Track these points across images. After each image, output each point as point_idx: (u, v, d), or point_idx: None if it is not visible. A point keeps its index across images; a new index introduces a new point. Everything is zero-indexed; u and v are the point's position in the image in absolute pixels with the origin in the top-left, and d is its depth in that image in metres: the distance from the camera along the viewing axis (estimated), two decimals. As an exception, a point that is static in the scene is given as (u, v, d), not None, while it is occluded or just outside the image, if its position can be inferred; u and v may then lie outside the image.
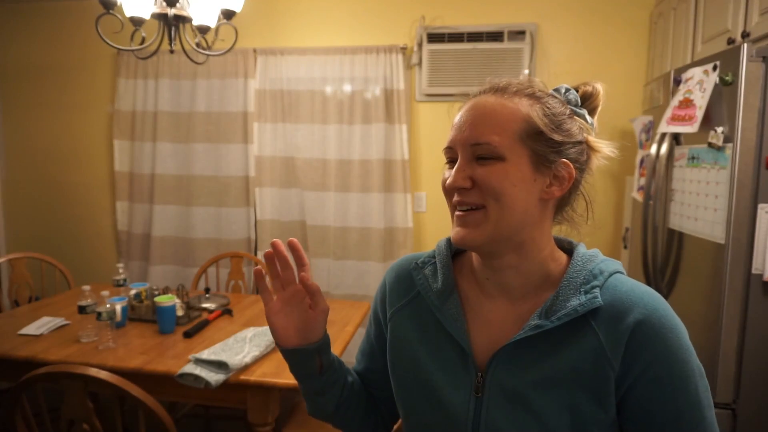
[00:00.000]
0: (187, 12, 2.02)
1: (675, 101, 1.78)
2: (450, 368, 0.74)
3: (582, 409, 0.66)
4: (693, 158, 1.72)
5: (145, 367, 1.70)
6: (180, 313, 2.10)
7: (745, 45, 1.48)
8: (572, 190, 0.75)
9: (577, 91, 0.76)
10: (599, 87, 0.77)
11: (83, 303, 1.95)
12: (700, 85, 1.66)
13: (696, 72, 1.70)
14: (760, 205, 1.49)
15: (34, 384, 1.33)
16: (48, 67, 3.40)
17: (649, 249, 1.91)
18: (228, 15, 2.05)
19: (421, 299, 0.81)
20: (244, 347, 1.76)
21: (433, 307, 0.78)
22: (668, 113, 1.80)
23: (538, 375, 0.68)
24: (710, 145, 1.60)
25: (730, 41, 1.87)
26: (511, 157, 0.68)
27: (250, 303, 2.45)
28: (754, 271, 1.52)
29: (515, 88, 0.71)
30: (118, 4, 1.92)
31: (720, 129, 1.56)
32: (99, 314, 1.86)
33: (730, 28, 1.89)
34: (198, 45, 2.14)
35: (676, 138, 1.84)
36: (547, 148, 0.69)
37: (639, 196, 2.16)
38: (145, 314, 2.15)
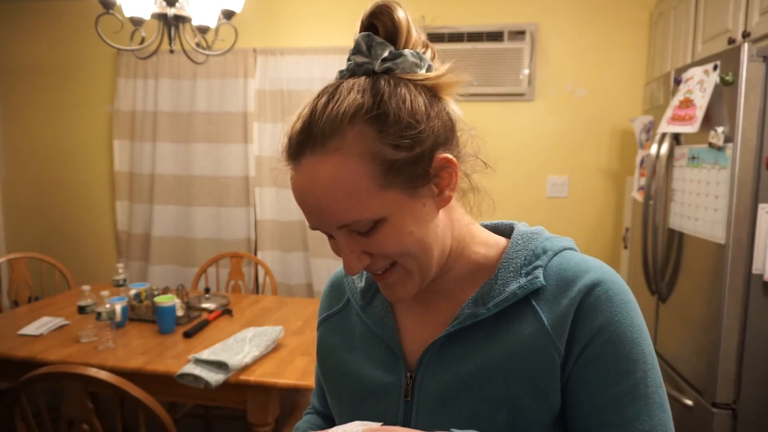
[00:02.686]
0: (187, 12, 2.02)
1: (675, 101, 1.78)
2: (379, 373, 0.65)
3: (521, 405, 0.57)
4: (693, 158, 1.72)
5: (145, 367, 1.70)
6: (180, 313, 2.10)
7: (746, 45, 1.48)
8: (460, 164, 0.60)
9: (377, 33, 0.57)
10: (393, 9, 0.55)
11: (83, 303, 1.95)
12: (700, 85, 1.66)
13: (696, 72, 1.70)
14: (761, 205, 1.49)
15: (34, 384, 1.33)
16: (48, 67, 3.40)
17: (649, 249, 1.91)
18: (228, 15, 2.05)
19: (350, 306, 0.72)
20: (244, 347, 1.76)
21: (358, 308, 0.69)
22: (668, 113, 1.80)
23: (471, 368, 0.59)
24: (710, 145, 1.60)
25: (731, 41, 1.86)
26: (388, 211, 0.54)
27: (250, 303, 2.45)
28: (754, 271, 1.52)
29: (332, 126, 0.53)
30: (118, 4, 1.92)
31: (720, 129, 1.56)
32: (99, 314, 1.86)
33: (730, 27, 1.89)
34: (198, 45, 2.14)
35: (676, 138, 1.84)
36: (413, 166, 0.54)
37: (639, 196, 2.16)
38: (145, 314, 2.15)
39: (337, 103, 0.54)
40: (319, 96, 0.57)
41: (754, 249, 1.51)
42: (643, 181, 2.13)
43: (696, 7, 2.17)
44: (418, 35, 0.58)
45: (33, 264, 2.87)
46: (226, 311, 2.26)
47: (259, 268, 3.10)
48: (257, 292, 3.05)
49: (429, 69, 0.58)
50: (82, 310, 1.94)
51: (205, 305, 2.31)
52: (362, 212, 0.53)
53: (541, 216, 3.01)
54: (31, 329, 1.98)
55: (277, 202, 3.19)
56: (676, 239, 1.83)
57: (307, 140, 0.54)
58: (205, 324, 2.08)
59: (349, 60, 0.59)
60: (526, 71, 2.88)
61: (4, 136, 3.53)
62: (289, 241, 3.19)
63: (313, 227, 0.58)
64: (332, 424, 0.81)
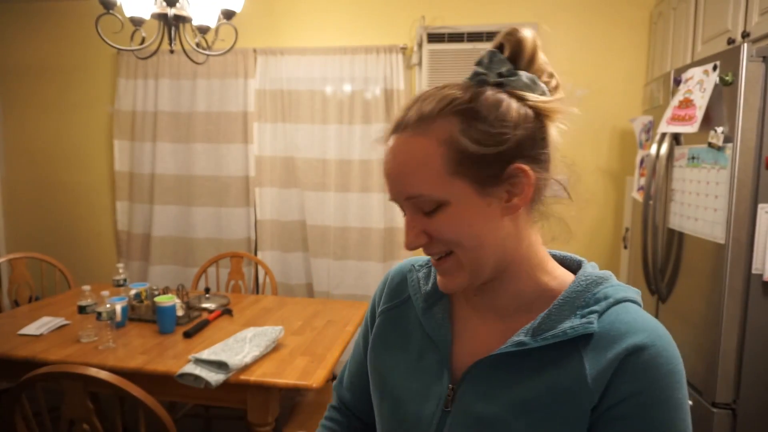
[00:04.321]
0: (187, 12, 2.02)
1: (675, 101, 1.78)
2: (425, 377, 0.68)
3: None
4: (693, 158, 1.72)
5: (145, 367, 1.70)
6: (180, 313, 2.10)
7: (745, 45, 1.48)
8: (540, 184, 0.63)
9: (502, 51, 0.62)
10: (522, 34, 0.61)
11: (83, 303, 1.95)
12: (700, 85, 1.66)
13: (696, 72, 1.70)
14: (760, 205, 1.49)
15: (34, 384, 1.33)
16: (48, 67, 3.40)
17: (649, 249, 1.91)
18: (228, 15, 2.05)
19: (410, 304, 0.75)
20: (244, 347, 1.76)
21: (419, 311, 0.72)
22: (668, 113, 1.80)
23: (514, 398, 0.60)
24: (710, 145, 1.60)
25: (730, 41, 1.87)
26: (453, 197, 0.58)
27: (250, 303, 2.45)
28: (754, 271, 1.52)
29: (425, 112, 0.59)
30: (118, 4, 1.92)
31: (720, 129, 1.56)
32: (99, 314, 1.86)
33: (730, 28, 1.89)
34: (198, 45, 2.14)
35: (676, 138, 1.84)
36: (487, 164, 0.58)
37: (639, 196, 2.16)
38: (145, 314, 2.15)
39: (438, 94, 0.60)
40: (428, 90, 0.62)
41: (753, 249, 1.51)
42: (643, 181, 2.13)
43: (696, 8, 2.17)
44: (544, 65, 0.63)
45: (33, 264, 2.87)
46: (226, 311, 2.26)
47: (259, 268, 3.10)
48: (257, 292, 3.05)
49: (544, 94, 0.61)
50: (82, 310, 1.94)
51: (205, 305, 2.31)
52: (428, 190, 0.58)
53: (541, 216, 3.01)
54: (31, 329, 1.99)
55: (277, 202, 3.19)
56: (676, 239, 1.83)
57: (402, 120, 0.61)
58: (205, 324, 2.08)
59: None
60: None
61: (4, 136, 3.53)
62: (289, 241, 3.20)
63: (391, 198, 0.63)
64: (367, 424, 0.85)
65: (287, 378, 1.65)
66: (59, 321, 2.07)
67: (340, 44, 3.02)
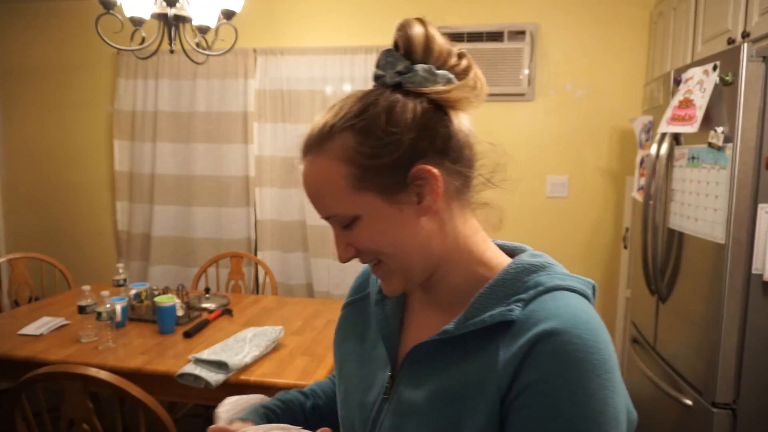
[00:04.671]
0: (187, 12, 2.02)
1: (675, 101, 1.78)
2: (374, 366, 0.70)
3: (465, 431, 0.57)
4: (693, 158, 1.72)
5: (145, 367, 1.70)
6: (180, 313, 2.10)
7: (745, 45, 1.48)
8: (455, 177, 0.61)
9: (398, 49, 0.60)
10: (408, 27, 0.60)
11: (83, 303, 1.95)
12: (700, 85, 1.66)
13: (696, 72, 1.70)
14: (760, 205, 1.49)
15: (34, 384, 1.33)
16: (48, 67, 3.40)
17: (649, 249, 1.91)
18: (228, 15, 2.05)
19: (370, 298, 0.77)
20: (244, 347, 1.76)
21: (372, 303, 0.74)
22: (668, 113, 1.80)
23: (436, 386, 0.60)
24: (710, 145, 1.60)
25: (730, 41, 1.87)
26: (363, 211, 0.59)
27: (250, 303, 2.45)
28: (754, 271, 1.52)
29: (323, 132, 0.60)
30: (118, 4, 1.92)
31: (720, 129, 1.56)
32: (99, 314, 1.86)
33: (730, 28, 1.89)
34: (198, 45, 2.14)
35: (676, 138, 1.84)
36: (388, 173, 0.58)
37: (639, 196, 2.16)
38: (145, 314, 2.15)
39: (334, 112, 0.60)
40: (333, 105, 0.62)
41: (753, 249, 1.51)
42: (643, 181, 2.13)
43: (696, 8, 2.17)
44: (445, 49, 0.61)
45: (33, 264, 2.87)
46: (226, 311, 2.26)
47: (259, 268, 3.10)
48: (257, 292, 3.05)
49: (450, 82, 0.60)
50: (82, 310, 1.94)
51: (205, 305, 2.31)
52: (338, 209, 0.60)
53: (541, 216, 3.01)
54: (31, 329, 1.99)
55: (277, 202, 3.19)
56: (676, 239, 1.83)
57: (309, 142, 0.61)
58: (205, 324, 2.08)
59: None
60: (526, 71, 2.88)
61: (4, 136, 3.53)
62: (289, 241, 3.20)
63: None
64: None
65: (287, 378, 1.65)
66: (59, 321, 2.07)
67: (340, 44, 3.02)
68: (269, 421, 0.82)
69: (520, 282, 0.61)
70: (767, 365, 1.54)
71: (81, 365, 1.36)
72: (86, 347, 1.86)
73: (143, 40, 2.04)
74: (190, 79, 3.15)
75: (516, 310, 0.58)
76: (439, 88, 0.59)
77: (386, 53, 0.61)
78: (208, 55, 2.17)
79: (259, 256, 3.19)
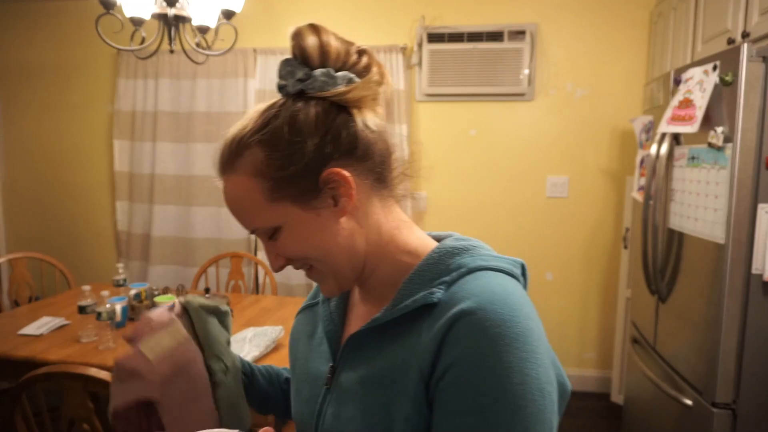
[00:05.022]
0: (187, 12, 2.02)
1: (675, 101, 1.78)
2: (320, 361, 0.72)
3: (395, 413, 0.57)
4: (693, 158, 1.72)
5: (145, 367, 1.70)
6: (180, 313, 2.10)
7: (745, 45, 1.48)
8: (368, 174, 0.63)
9: (296, 58, 0.62)
10: (299, 36, 0.61)
11: (83, 303, 1.95)
12: (700, 85, 1.66)
13: (696, 72, 1.70)
14: (760, 205, 1.49)
15: (34, 384, 1.33)
16: (48, 67, 3.40)
17: (649, 249, 1.91)
18: (228, 15, 2.05)
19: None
20: (243, 347, 1.76)
21: (321, 302, 0.78)
22: (668, 113, 1.80)
23: (368, 372, 0.62)
24: (710, 145, 1.60)
25: (730, 41, 1.87)
26: (282, 221, 0.61)
27: (250, 303, 2.45)
28: (754, 271, 1.52)
29: (232, 150, 0.62)
30: (118, 4, 1.92)
31: (720, 129, 1.56)
32: (99, 314, 1.86)
33: (730, 28, 1.89)
34: (198, 45, 2.14)
35: (676, 138, 1.84)
36: (299, 181, 0.60)
37: (639, 196, 2.16)
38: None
39: (241, 128, 0.62)
40: (242, 119, 0.64)
41: (753, 249, 1.51)
42: (643, 181, 2.13)
43: (696, 8, 2.17)
44: (342, 50, 0.62)
45: (33, 264, 2.87)
46: (226, 311, 2.25)
47: (259, 268, 3.10)
48: (257, 292, 3.05)
49: (351, 81, 0.62)
50: (82, 310, 1.95)
51: (205, 305, 2.31)
52: (259, 222, 0.62)
53: (541, 216, 3.01)
54: (31, 329, 1.99)
55: (277, 202, 3.19)
56: (676, 239, 1.83)
57: (222, 161, 0.64)
58: (205, 324, 2.07)
59: None
60: (526, 71, 2.88)
61: (4, 136, 3.53)
62: (289, 241, 3.19)
63: None
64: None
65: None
66: (59, 321, 2.07)
67: (340, 44, 3.02)
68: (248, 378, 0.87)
69: (444, 265, 0.62)
70: (767, 365, 1.54)
71: (81, 365, 1.36)
72: (86, 347, 1.86)
73: (143, 40, 2.04)
74: (190, 79, 3.15)
75: (438, 293, 0.59)
76: (340, 89, 0.60)
77: (284, 63, 0.62)
78: (208, 55, 2.17)
79: (259, 256, 3.19)
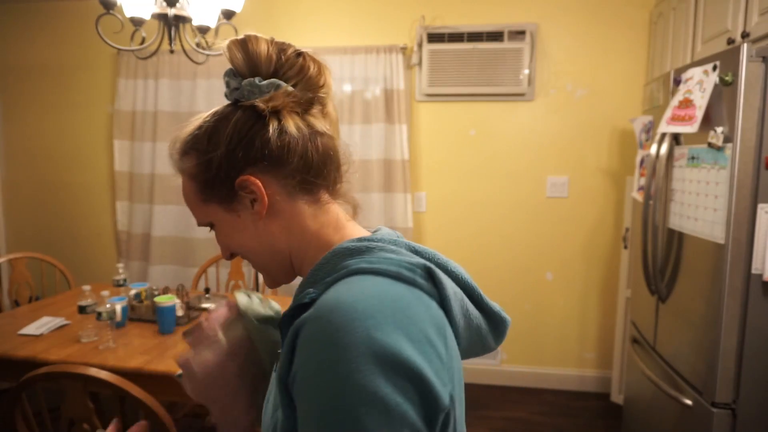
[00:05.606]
0: (187, 12, 2.02)
1: (675, 101, 1.78)
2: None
3: (282, 418, 0.57)
4: (693, 158, 1.72)
5: (145, 367, 1.70)
6: (180, 313, 2.10)
7: (745, 45, 1.48)
8: (287, 178, 0.64)
9: (231, 70, 0.66)
10: (226, 50, 0.65)
11: (83, 303, 1.95)
12: (700, 85, 1.66)
13: (696, 72, 1.70)
14: (760, 205, 1.49)
15: (34, 384, 1.33)
16: (48, 67, 3.40)
17: (649, 249, 1.91)
18: (228, 15, 2.05)
19: None
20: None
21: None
22: (668, 113, 1.81)
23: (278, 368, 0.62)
24: (710, 145, 1.60)
25: (730, 41, 1.87)
26: (212, 219, 0.68)
27: (250, 303, 2.45)
28: (754, 271, 1.52)
29: (176, 149, 0.68)
30: (118, 4, 1.92)
31: (720, 129, 1.56)
32: (99, 314, 1.86)
33: (730, 28, 1.89)
34: (198, 45, 2.14)
35: (676, 138, 1.85)
36: (219, 185, 0.65)
37: (639, 196, 2.17)
38: (145, 314, 2.15)
39: (184, 131, 0.68)
40: (189, 122, 0.70)
41: (753, 249, 1.51)
42: (643, 181, 2.13)
43: (695, 8, 2.17)
44: (268, 57, 0.64)
45: (33, 264, 2.87)
46: (226, 311, 2.25)
47: (259, 268, 3.10)
48: (257, 292, 3.05)
49: (278, 88, 0.64)
50: (82, 310, 1.95)
51: (205, 305, 2.31)
52: (198, 218, 0.70)
53: (541, 216, 3.01)
54: (31, 329, 1.99)
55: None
56: (676, 239, 1.83)
57: (172, 159, 0.70)
58: (205, 324, 2.07)
59: None
60: (526, 71, 2.88)
61: (4, 136, 3.53)
62: (289, 241, 3.20)
63: None
64: None
65: (287, 378, 1.65)
66: (59, 321, 2.07)
67: (340, 44, 3.02)
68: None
69: (331, 266, 0.60)
70: (767, 365, 1.54)
71: (81, 365, 1.36)
72: (86, 347, 1.86)
73: (143, 40, 2.04)
74: (190, 79, 3.15)
75: (312, 294, 0.58)
76: (264, 98, 0.63)
77: (225, 74, 0.67)
78: (208, 55, 2.17)
79: (259, 256, 3.20)
